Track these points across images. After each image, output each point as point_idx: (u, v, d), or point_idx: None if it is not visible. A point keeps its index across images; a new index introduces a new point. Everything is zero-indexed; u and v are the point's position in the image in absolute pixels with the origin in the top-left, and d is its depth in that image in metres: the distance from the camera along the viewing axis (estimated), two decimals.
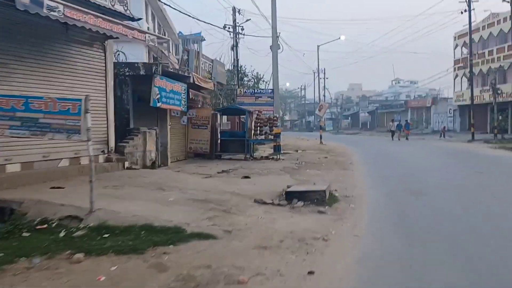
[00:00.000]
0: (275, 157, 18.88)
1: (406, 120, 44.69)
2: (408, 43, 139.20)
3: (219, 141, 19.60)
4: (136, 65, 13.04)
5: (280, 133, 23.25)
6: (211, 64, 19.22)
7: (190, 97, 16.40)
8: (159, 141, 16.12)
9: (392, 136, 38.09)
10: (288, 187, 9.72)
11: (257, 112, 19.36)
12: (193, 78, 16.23)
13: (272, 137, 18.98)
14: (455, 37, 50.05)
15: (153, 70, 12.98)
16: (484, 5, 53.05)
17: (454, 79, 50.53)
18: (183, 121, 16.88)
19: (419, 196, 9.74)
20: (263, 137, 18.91)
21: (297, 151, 25.32)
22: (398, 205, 8.89)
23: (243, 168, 15.21)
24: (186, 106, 15.95)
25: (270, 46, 23.07)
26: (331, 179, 12.64)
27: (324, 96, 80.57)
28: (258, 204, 8.44)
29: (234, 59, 29.86)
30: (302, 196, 8.51)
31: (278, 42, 23.34)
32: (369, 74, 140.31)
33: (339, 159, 19.91)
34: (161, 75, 13.73)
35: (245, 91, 23.14)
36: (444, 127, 43.05)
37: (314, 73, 44.98)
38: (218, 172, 14.08)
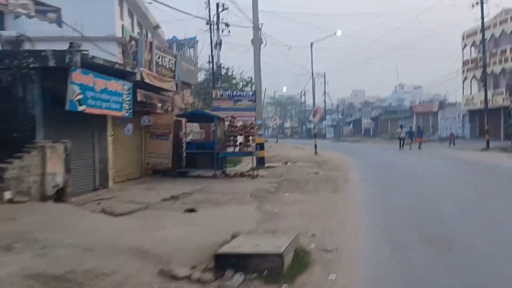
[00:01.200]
0: (252, 173, 15.18)
1: (419, 127, 39.69)
2: (413, 42, 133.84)
3: (184, 155, 15.95)
4: (43, 53, 9.46)
5: (263, 143, 19.69)
6: (174, 59, 15.59)
7: (139, 99, 12.77)
8: (97, 157, 12.51)
9: (400, 144, 32.18)
10: (234, 237, 6.04)
11: (229, 118, 15.70)
12: (140, 74, 12.61)
13: (248, 149, 15.28)
14: (463, 36, 46.35)
15: (67, 61, 9.36)
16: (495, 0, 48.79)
17: (463, 82, 46.75)
18: (128, 131, 13.23)
19: (448, 253, 5.99)
20: (237, 149, 15.22)
21: (286, 163, 21.71)
22: (414, 277, 5.14)
23: (201, 193, 11.55)
24: (130, 110, 12.32)
25: (252, 40, 19.49)
26: (313, 212, 8.97)
27: (325, 101, 77.02)
28: (162, 280, 4.74)
29: (210, 55, 26.24)
30: (242, 264, 4.81)
31: (261, 36, 19.75)
32: (372, 79, 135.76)
33: (332, 174, 16.20)
34: (86, 69, 10.11)
35: (222, 94, 19.49)
36: (452, 134, 38.89)
37: (313, 76, 41.03)
38: (164, 200, 10.43)
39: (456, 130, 46.73)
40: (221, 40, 27.98)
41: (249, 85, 33.77)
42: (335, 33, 37.72)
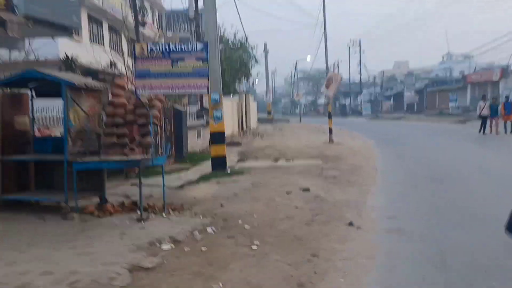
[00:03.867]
0: (149, 205, 7.01)
1: (507, 97, 25.43)
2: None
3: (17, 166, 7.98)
4: None
5: (223, 133, 11.59)
6: None
7: None
8: None
9: (483, 126, 21.64)
10: None
11: (115, 87, 7.56)
12: None
13: (133, 152, 7.07)
14: None
15: None
16: None
17: None
18: None
19: None
20: (116, 156, 7.04)
21: (276, 161, 13.66)
22: None
23: None
24: None
25: None
26: None
27: (360, 73, 67.62)
28: None
29: None
30: None
31: None
32: (416, 48, 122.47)
33: (332, 199, 7.91)
34: None
35: (152, 49, 11.34)
36: None
37: (326, 30, 32.16)
38: None
39: None
40: None
41: (247, 48, 25.42)
42: None
